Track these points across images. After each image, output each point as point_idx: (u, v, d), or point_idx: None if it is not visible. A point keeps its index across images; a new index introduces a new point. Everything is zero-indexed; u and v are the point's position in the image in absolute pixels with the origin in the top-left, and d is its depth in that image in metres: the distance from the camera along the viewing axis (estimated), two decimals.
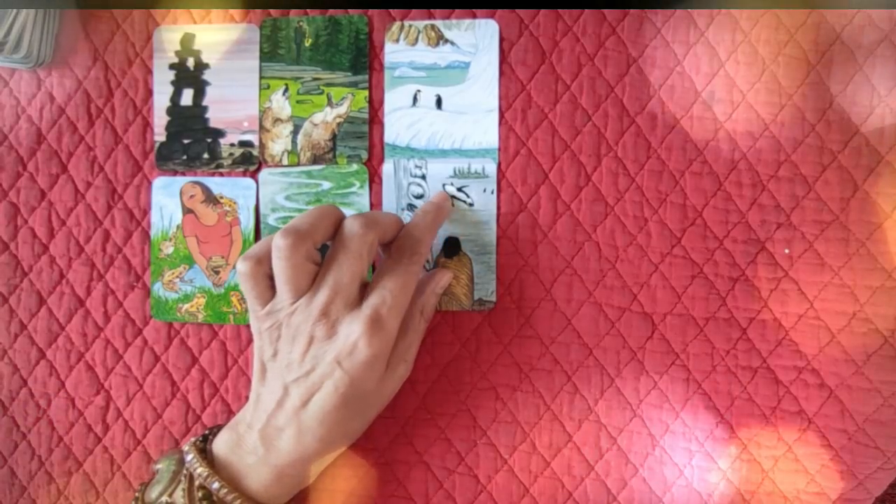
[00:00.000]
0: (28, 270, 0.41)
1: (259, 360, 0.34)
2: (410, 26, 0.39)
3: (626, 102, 0.38)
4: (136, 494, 0.34)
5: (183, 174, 0.40)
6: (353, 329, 0.32)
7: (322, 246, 0.34)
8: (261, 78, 0.39)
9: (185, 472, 0.33)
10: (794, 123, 0.37)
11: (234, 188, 0.40)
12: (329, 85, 0.39)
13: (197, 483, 0.33)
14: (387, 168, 0.39)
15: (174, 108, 0.40)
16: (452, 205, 0.38)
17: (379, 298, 0.32)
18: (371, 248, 0.33)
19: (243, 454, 0.33)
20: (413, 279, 0.34)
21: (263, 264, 0.33)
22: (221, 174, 0.40)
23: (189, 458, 0.33)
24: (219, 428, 0.36)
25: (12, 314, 0.41)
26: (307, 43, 0.39)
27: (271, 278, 0.34)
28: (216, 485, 0.32)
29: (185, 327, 0.40)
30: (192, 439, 0.35)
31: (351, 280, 0.32)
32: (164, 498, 0.33)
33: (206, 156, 0.40)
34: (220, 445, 0.34)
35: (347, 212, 0.39)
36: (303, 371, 0.32)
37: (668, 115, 0.37)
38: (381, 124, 0.39)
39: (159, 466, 0.35)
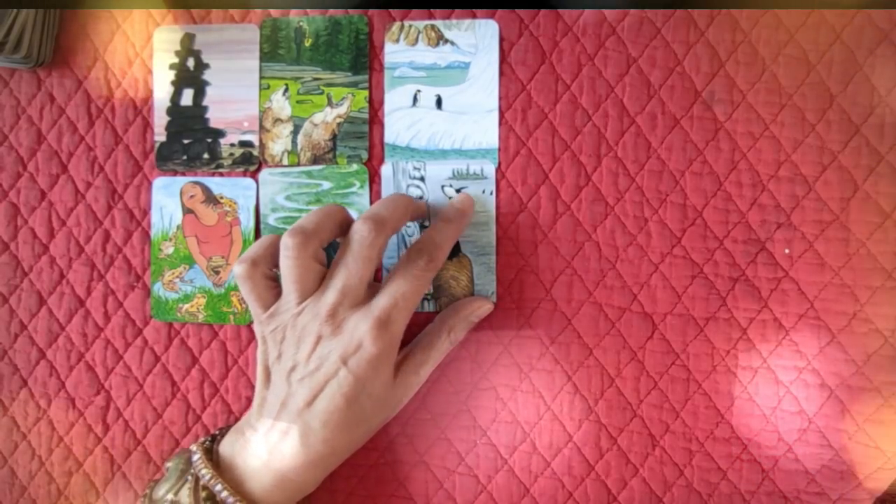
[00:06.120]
0: (28, 270, 0.41)
1: (263, 365, 0.34)
2: (410, 26, 0.39)
3: (626, 102, 0.38)
4: (146, 491, 0.34)
5: (183, 174, 0.40)
6: (359, 327, 0.32)
7: (326, 245, 0.34)
8: (261, 78, 0.39)
9: (191, 471, 0.33)
10: (794, 123, 0.37)
11: (234, 188, 0.40)
12: (329, 85, 0.39)
13: (202, 483, 0.33)
14: (385, 171, 0.39)
15: (174, 108, 0.40)
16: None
17: (390, 300, 0.33)
18: (380, 251, 0.33)
19: (247, 457, 0.33)
20: (425, 285, 0.34)
21: (259, 265, 0.33)
22: (221, 174, 0.40)
23: (195, 458, 0.33)
24: (228, 428, 0.36)
25: (12, 314, 0.41)
26: (307, 43, 0.39)
27: (269, 279, 0.34)
28: (219, 487, 0.32)
29: (186, 327, 0.40)
30: (201, 439, 0.35)
31: (359, 283, 0.33)
32: (170, 496, 0.33)
33: (206, 156, 0.40)
34: (225, 447, 0.34)
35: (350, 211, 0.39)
36: (308, 370, 0.32)
37: (668, 115, 0.37)
38: (382, 124, 0.39)
39: (169, 465, 0.35)
